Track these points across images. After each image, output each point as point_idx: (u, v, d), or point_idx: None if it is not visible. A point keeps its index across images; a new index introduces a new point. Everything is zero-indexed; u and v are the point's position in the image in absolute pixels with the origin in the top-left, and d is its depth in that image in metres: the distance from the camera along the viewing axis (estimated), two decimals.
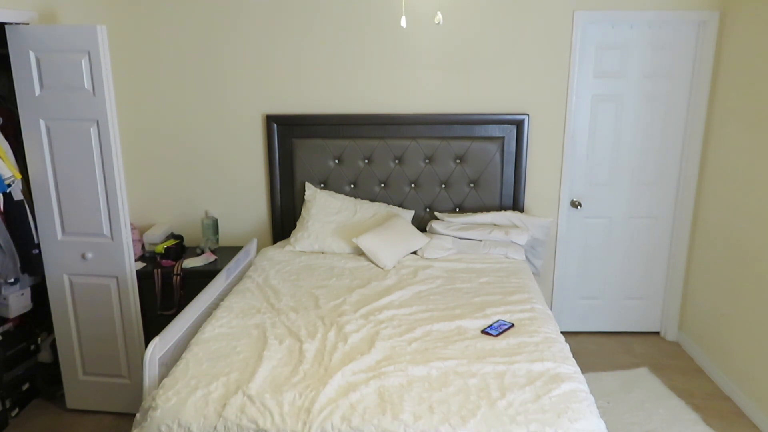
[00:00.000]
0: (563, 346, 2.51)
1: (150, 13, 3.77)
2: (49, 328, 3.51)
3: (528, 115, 3.80)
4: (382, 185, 3.93)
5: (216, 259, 3.78)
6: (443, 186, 3.92)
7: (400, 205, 3.94)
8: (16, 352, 3.37)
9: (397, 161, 3.89)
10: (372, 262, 3.47)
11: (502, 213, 3.79)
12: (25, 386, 3.43)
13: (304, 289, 3.13)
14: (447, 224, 3.75)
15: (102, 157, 3.05)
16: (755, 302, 3.30)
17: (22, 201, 3.15)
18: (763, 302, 3.23)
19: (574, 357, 2.47)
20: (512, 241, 3.63)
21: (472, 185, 3.91)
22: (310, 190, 3.87)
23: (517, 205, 3.92)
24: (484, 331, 2.63)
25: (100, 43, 2.89)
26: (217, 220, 4.01)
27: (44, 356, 3.52)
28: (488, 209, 3.91)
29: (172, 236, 3.97)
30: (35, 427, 3.30)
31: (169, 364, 2.48)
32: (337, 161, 3.91)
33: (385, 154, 3.87)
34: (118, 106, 3.80)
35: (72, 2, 3.35)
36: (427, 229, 3.84)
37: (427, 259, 3.53)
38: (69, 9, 3.32)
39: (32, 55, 2.92)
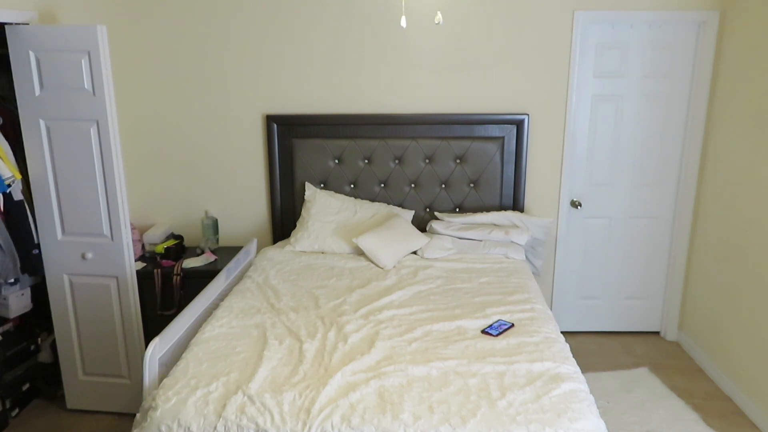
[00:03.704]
0: (563, 346, 2.52)
1: (150, 13, 3.77)
2: (49, 328, 3.51)
3: (528, 115, 3.80)
4: (382, 185, 3.93)
5: (216, 259, 3.78)
6: (443, 186, 3.91)
7: (400, 205, 3.94)
8: (16, 352, 3.37)
9: (397, 161, 3.89)
10: (372, 262, 3.47)
11: (502, 213, 3.79)
12: (25, 386, 3.43)
13: (304, 289, 3.13)
14: (447, 224, 3.75)
15: (102, 157, 3.05)
16: (755, 302, 3.30)
17: (22, 201, 3.15)
18: (762, 302, 3.23)
19: (574, 357, 2.47)
20: (512, 241, 3.64)
21: (472, 185, 3.91)
22: (310, 190, 3.87)
23: (517, 205, 3.92)
24: (484, 331, 2.63)
25: (100, 43, 2.89)
26: (217, 220, 4.00)
27: (44, 356, 3.52)
28: (488, 209, 3.91)
29: (172, 236, 3.97)
30: (35, 427, 3.30)
31: (169, 364, 2.48)
32: (337, 161, 3.91)
33: (385, 154, 3.87)
34: (118, 106, 3.80)
35: (72, 2, 3.35)
36: (427, 229, 3.84)
37: (427, 259, 3.53)
38: (69, 9, 3.32)
39: (32, 55, 2.92)
